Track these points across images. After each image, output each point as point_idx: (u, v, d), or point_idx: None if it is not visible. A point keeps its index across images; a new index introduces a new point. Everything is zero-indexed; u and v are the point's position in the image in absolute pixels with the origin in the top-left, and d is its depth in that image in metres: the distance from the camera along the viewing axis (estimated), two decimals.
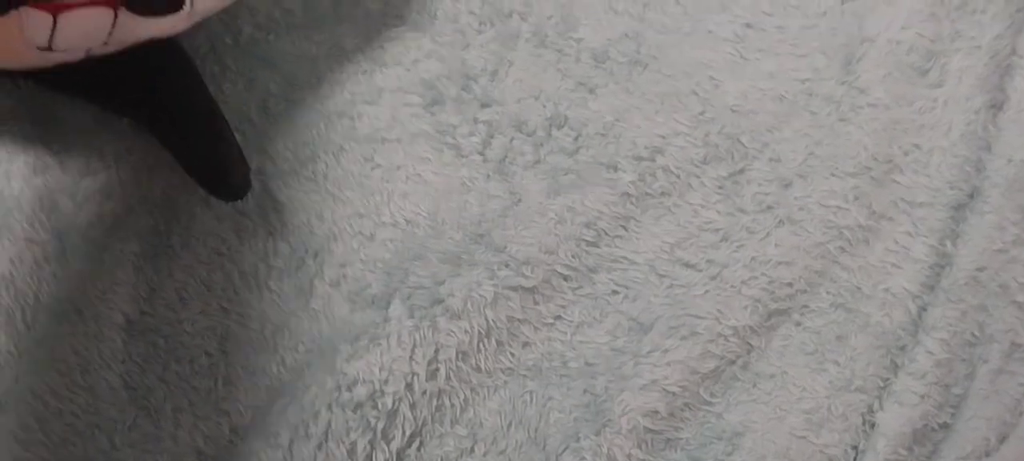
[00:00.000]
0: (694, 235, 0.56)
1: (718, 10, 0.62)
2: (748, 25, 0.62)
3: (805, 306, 0.56)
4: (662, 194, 0.56)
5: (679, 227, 0.56)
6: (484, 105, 0.58)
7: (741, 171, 0.57)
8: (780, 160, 0.58)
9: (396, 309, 0.52)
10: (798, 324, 0.56)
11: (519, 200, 0.56)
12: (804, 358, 0.55)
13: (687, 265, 0.55)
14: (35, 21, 0.43)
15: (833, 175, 0.58)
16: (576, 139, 0.58)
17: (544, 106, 0.59)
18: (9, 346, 0.46)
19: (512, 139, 0.58)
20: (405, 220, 0.55)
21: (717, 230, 0.56)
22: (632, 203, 0.56)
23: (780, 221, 0.56)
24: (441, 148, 0.57)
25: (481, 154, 0.57)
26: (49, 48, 0.44)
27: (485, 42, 0.60)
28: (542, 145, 0.58)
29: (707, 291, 0.55)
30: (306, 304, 0.53)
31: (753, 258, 0.56)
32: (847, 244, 0.56)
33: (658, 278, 0.55)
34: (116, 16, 0.44)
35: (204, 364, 0.52)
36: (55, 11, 0.43)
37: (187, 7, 0.47)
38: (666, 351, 0.54)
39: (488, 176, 0.56)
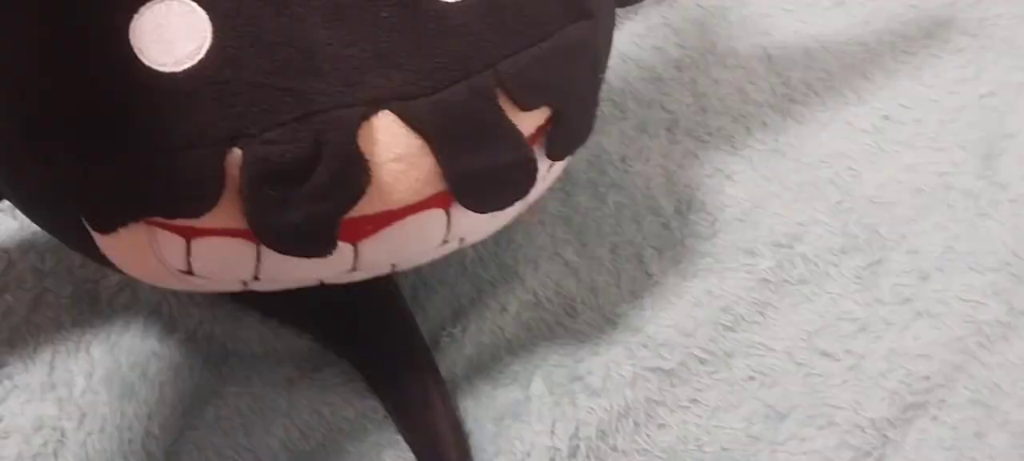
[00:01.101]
0: (832, 324, 0.56)
1: (856, 102, 0.63)
2: (886, 117, 0.62)
3: (942, 401, 0.55)
4: (800, 282, 0.57)
5: (817, 315, 0.56)
6: (619, 187, 0.60)
7: (879, 262, 0.57)
8: (918, 252, 0.58)
9: (537, 386, 0.53)
10: (935, 419, 0.55)
11: (656, 282, 0.56)
12: (941, 453, 0.54)
13: (825, 354, 0.55)
14: (165, 241, 0.38)
15: (972, 269, 0.57)
16: (713, 224, 0.59)
17: (680, 190, 0.60)
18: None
19: (647, 222, 0.58)
20: (545, 297, 0.56)
21: (855, 320, 0.56)
22: (770, 289, 0.56)
23: (918, 314, 0.56)
24: (577, 229, 0.58)
25: (616, 235, 0.58)
26: (190, 272, 0.40)
27: (623, 128, 0.61)
28: (678, 229, 0.58)
29: (845, 381, 0.55)
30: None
31: (891, 350, 0.55)
32: (986, 340, 0.56)
33: (795, 366, 0.55)
34: (259, 250, 0.38)
35: None
36: (187, 235, 0.38)
37: (347, 255, 0.40)
38: (803, 440, 0.54)
39: (624, 257, 0.57)
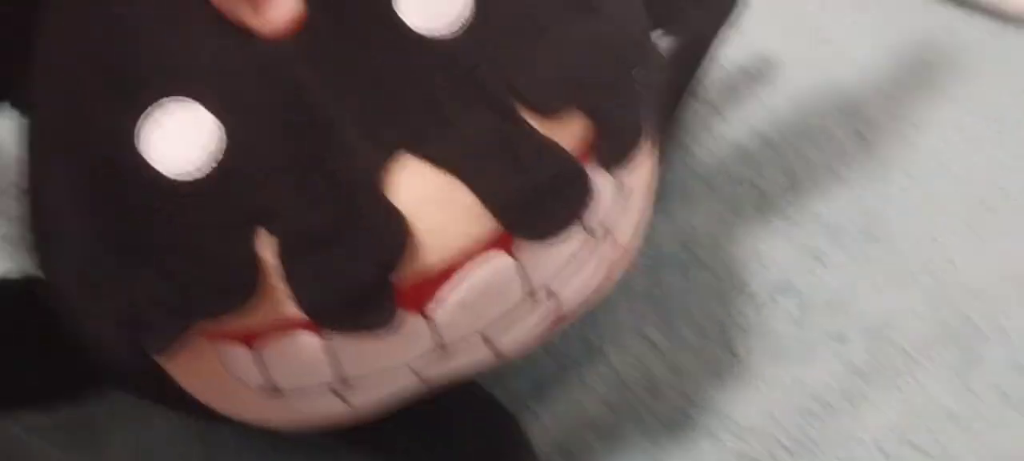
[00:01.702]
0: (924, 417, 0.54)
1: (951, 187, 0.62)
2: (983, 203, 0.61)
3: None
4: (892, 370, 0.55)
5: (909, 407, 0.54)
6: (706, 266, 0.59)
7: (974, 354, 0.56)
8: (1016, 345, 0.56)
9: None
10: None
11: (743, 365, 0.56)
12: None
13: (916, 447, 0.54)
14: (232, 356, 0.37)
15: None
16: (802, 307, 0.58)
17: (770, 272, 0.59)
18: None
19: (735, 303, 0.58)
20: (629, 377, 0.55)
21: (949, 414, 0.54)
22: (860, 378, 0.55)
23: (1015, 410, 0.54)
24: (663, 308, 0.57)
25: (703, 316, 0.57)
26: (275, 388, 0.38)
27: (713, 205, 0.61)
28: (767, 311, 0.57)
29: None
30: None
31: (986, 447, 0.54)
32: None
33: (885, 459, 0.54)
34: (326, 342, 0.36)
35: None
36: (249, 342, 0.37)
37: (422, 330, 0.37)
38: None
39: (711, 339, 0.57)
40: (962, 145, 0.65)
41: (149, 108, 0.35)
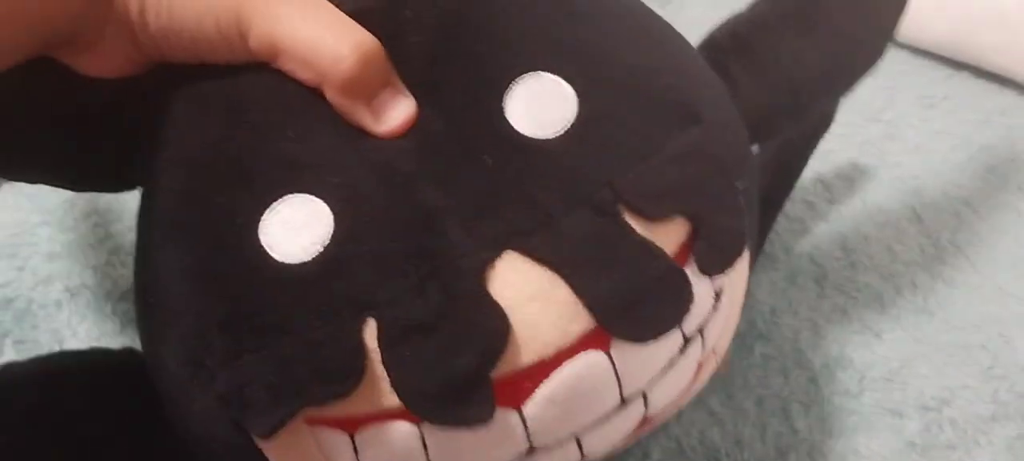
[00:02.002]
0: None
1: (1007, 266, 0.63)
2: None
3: None
4: (948, 447, 0.56)
5: None
6: (766, 339, 0.60)
7: None
8: None
9: None
10: None
11: (802, 438, 0.57)
12: None
13: None
14: (330, 442, 0.37)
15: None
16: (860, 381, 0.59)
17: (828, 345, 0.60)
18: None
19: (794, 376, 0.59)
20: (689, 446, 0.56)
21: None
22: (917, 453, 0.56)
23: None
24: (724, 379, 0.59)
25: (762, 388, 0.58)
26: None
27: (773, 278, 0.62)
28: (825, 385, 0.59)
29: None
30: None
31: None
32: None
33: None
34: (422, 432, 0.36)
35: None
36: (349, 429, 0.37)
37: (516, 427, 0.37)
38: None
39: (770, 411, 0.58)
40: (1019, 227, 0.66)
41: (272, 202, 0.36)
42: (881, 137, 0.70)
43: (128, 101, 0.41)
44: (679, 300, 0.37)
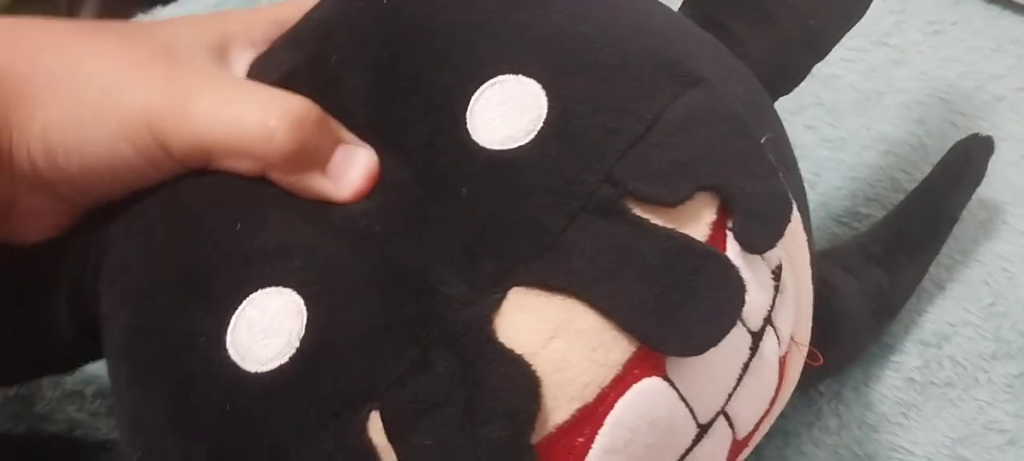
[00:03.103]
0: (978, 434, 0.54)
1: (1014, 201, 0.61)
2: None
3: None
4: (947, 385, 0.55)
5: (962, 423, 0.54)
6: None
7: None
8: None
9: None
10: None
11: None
12: None
13: None
14: None
15: None
16: None
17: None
18: None
19: None
20: None
21: (1003, 431, 0.54)
22: (915, 390, 0.54)
23: None
24: None
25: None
26: None
27: None
28: None
29: None
30: None
31: None
32: None
33: None
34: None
35: None
36: None
37: None
38: None
39: None
40: None
41: (234, 308, 0.31)
42: (888, 62, 0.68)
43: (69, 257, 0.36)
44: (728, 290, 0.30)
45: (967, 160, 0.57)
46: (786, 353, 0.35)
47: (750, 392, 0.33)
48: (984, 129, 0.60)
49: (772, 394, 0.35)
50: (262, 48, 0.38)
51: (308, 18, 0.38)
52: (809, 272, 0.38)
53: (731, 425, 0.34)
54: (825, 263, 0.47)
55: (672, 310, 0.30)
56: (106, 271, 0.35)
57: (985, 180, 0.59)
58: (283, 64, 0.36)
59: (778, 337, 0.34)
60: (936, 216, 0.56)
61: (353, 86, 0.34)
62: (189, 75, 0.35)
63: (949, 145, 0.58)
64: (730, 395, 0.33)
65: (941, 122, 0.65)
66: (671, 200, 0.31)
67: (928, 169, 0.62)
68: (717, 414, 0.33)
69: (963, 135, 0.60)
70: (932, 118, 0.65)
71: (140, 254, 0.34)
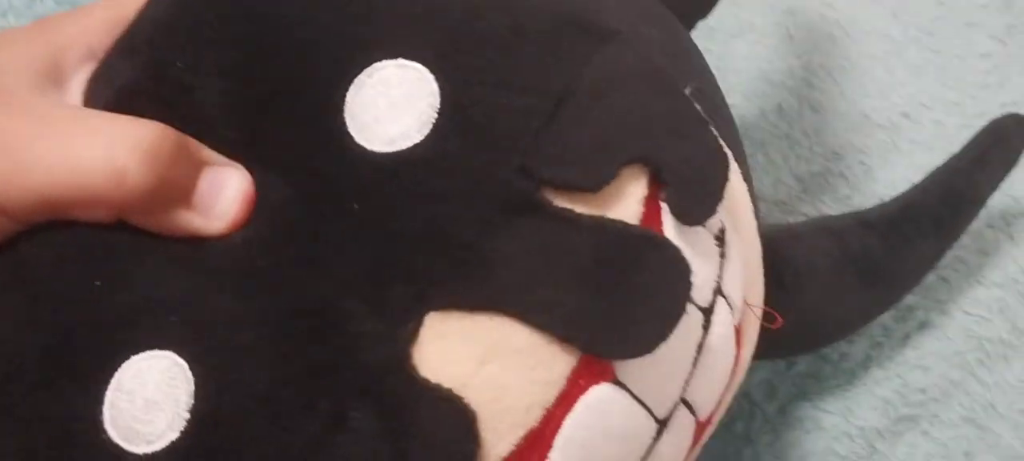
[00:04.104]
0: None
1: (875, 95, 0.61)
2: (905, 115, 0.60)
3: (935, 416, 0.54)
4: None
5: None
6: None
7: None
8: None
9: None
10: (925, 434, 0.53)
11: None
12: None
13: (820, 357, 0.53)
14: None
15: (979, 283, 0.55)
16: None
17: None
18: None
19: None
20: None
21: None
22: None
23: (921, 324, 0.54)
24: None
25: None
26: None
27: None
28: None
29: (838, 385, 0.52)
30: None
31: (889, 358, 0.53)
32: (986, 357, 0.54)
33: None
34: None
35: None
36: None
37: None
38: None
39: None
40: (890, 56, 0.63)
41: (105, 382, 0.26)
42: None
43: None
44: (672, 277, 0.27)
45: (1000, 139, 0.52)
46: (741, 320, 0.33)
47: (708, 372, 0.31)
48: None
49: (731, 366, 0.33)
50: (102, 55, 0.32)
51: (141, 18, 0.32)
52: (754, 223, 0.35)
53: (692, 410, 0.31)
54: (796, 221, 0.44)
55: (613, 311, 0.27)
56: None
57: (850, 71, 0.59)
58: (120, 77, 0.31)
59: (730, 305, 0.31)
60: (957, 194, 0.51)
61: (207, 96, 0.29)
62: (17, 117, 0.29)
63: (816, 36, 0.57)
64: (687, 381, 0.30)
65: (810, 14, 0.64)
66: (595, 184, 0.27)
67: (793, 62, 0.62)
68: (675, 404, 0.30)
69: (830, 27, 0.59)
70: (801, 9, 0.64)
71: None
